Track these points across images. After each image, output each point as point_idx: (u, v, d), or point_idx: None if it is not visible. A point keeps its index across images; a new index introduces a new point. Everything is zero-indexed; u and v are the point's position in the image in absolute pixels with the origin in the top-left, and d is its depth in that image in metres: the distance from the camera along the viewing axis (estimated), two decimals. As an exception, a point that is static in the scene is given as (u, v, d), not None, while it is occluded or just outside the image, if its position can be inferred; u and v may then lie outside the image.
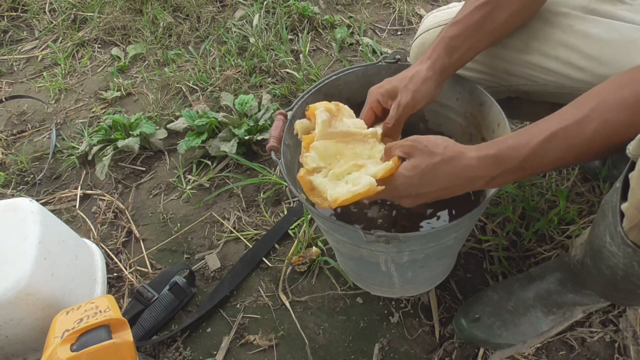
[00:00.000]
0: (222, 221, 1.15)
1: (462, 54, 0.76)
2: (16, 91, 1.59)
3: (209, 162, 1.27)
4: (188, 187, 1.23)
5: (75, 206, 1.24)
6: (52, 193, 1.28)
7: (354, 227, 0.67)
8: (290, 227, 1.10)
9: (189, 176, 1.26)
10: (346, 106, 0.75)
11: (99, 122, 1.42)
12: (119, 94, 1.50)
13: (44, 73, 1.63)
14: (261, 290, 1.02)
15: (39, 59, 1.70)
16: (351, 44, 1.57)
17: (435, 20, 0.91)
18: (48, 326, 0.79)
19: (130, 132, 1.32)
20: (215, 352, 0.94)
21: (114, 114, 1.40)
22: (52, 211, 1.18)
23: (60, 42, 1.74)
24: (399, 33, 1.63)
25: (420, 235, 0.68)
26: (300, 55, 1.50)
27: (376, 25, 1.66)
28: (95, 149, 1.32)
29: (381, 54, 1.51)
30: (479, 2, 0.75)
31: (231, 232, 1.13)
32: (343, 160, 0.68)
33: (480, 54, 0.81)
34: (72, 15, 1.81)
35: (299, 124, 0.73)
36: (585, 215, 1.03)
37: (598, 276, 0.72)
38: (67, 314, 0.79)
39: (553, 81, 0.80)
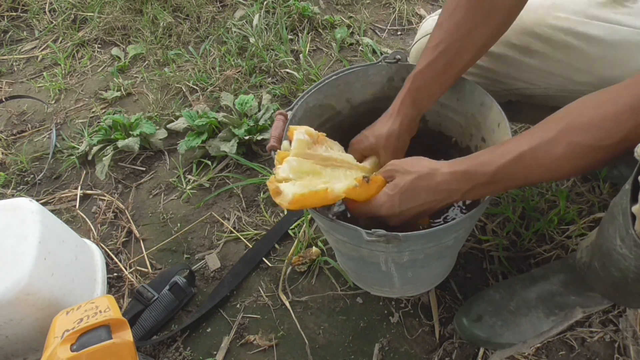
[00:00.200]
0: (222, 221, 1.15)
1: (429, 99, 0.79)
2: (16, 91, 1.59)
3: (209, 162, 1.27)
4: (188, 187, 1.23)
5: (75, 206, 1.24)
6: (52, 193, 1.28)
7: (355, 227, 0.67)
8: (290, 227, 1.11)
9: (189, 176, 1.26)
10: (336, 142, 0.79)
11: (99, 122, 1.42)
12: (119, 94, 1.50)
13: (44, 73, 1.63)
14: (261, 290, 1.02)
15: (39, 59, 1.70)
16: (351, 44, 1.57)
17: (433, 24, 0.90)
18: (48, 326, 0.79)
19: (130, 132, 1.32)
20: (215, 352, 0.94)
21: (114, 114, 1.40)
22: (52, 211, 1.18)
23: (60, 42, 1.74)
24: (399, 33, 1.64)
25: (420, 235, 0.68)
26: (300, 55, 1.50)
27: (376, 25, 1.66)
28: (95, 149, 1.32)
29: (381, 54, 1.51)
30: (441, 47, 0.74)
31: (231, 232, 1.13)
32: (316, 178, 0.69)
33: (481, 59, 0.81)
34: (72, 15, 1.81)
35: (284, 146, 0.74)
36: (585, 215, 1.03)
37: (606, 279, 0.72)
38: (67, 314, 0.79)
39: (554, 84, 0.80)
